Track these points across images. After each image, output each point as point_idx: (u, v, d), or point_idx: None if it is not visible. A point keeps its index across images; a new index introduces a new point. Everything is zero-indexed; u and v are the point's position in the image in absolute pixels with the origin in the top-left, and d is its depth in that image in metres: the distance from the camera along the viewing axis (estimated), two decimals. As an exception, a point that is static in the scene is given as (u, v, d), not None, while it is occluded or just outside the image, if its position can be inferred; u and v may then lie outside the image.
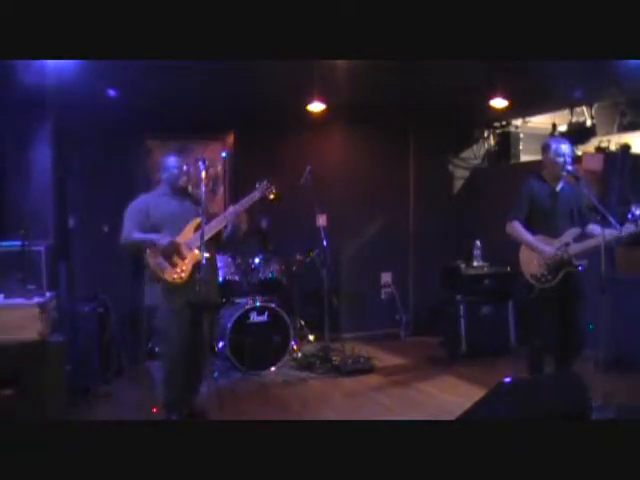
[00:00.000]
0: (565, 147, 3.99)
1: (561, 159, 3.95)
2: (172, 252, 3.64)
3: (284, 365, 5.19)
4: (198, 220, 3.68)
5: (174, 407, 3.72)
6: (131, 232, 3.69)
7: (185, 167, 3.84)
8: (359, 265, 6.39)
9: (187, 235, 3.72)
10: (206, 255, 3.59)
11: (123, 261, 5.27)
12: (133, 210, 3.76)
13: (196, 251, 3.65)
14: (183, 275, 3.64)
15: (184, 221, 3.74)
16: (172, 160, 3.87)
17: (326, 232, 5.39)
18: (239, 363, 4.96)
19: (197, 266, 3.63)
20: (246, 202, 3.85)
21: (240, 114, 5.99)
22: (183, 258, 3.67)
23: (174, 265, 3.65)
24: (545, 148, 4.07)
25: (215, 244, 3.90)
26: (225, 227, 3.84)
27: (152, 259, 3.65)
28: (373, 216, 6.43)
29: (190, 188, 3.93)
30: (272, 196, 3.90)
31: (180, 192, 3.84)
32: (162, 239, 3.65)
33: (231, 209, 3.84)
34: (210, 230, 3.70)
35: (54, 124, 5.10)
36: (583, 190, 4.02)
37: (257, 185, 3.91)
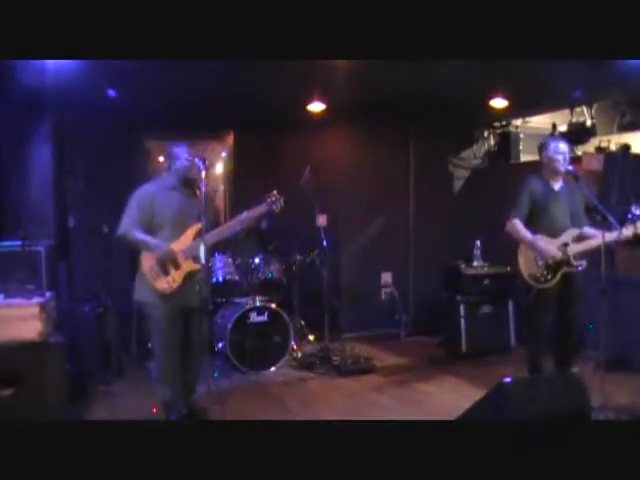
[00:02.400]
0: (562, 146, 4.00)
1: (559, 157, 3.96)
2: (168, 261, 3.59)
3: (284, 365, 5.18)
4: (198, 226, 3.60)
5: (171, 408, 3.72)
6: (131, 227, 3.61)
7: (196, 160, 3.64)
8: (359, 265, 6.38)
9: (185, 241, 3.63)
10: (198, 267, 3.57)
11: (123, 261, 5.28)
12: (137, 201, 3.65)
13: (191, 260, 3.60)
14: (174, 285, 3.59)
15: (186, 223, 3.65)
16: (182, 150, 3.73)
17: (326, 232, 5.39)
18: (239, 363, 4.96)
19: (191, 275, 3.61)
20: (252, 215, 3.73)
21: (240, 114, 5.98)
22: (177, 267, 3.60)
23: (167, 273, 3.59)
24: (542, 147, 4.08)
25: (212, 248, 3.85)
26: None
27: (146, 263, 3.61)
28: (373, 216, 6.42)
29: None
30: (278, 210, 3.75)
31: (188, 186, 3.73)
32: (160, 247, 3.57)
33: (233, 222, 3.74)
34: (209, 240, 3.60)
35: (54, 124, 5.11)
36: (583, 190, 4.02)
37: (266, 197, 3.76)
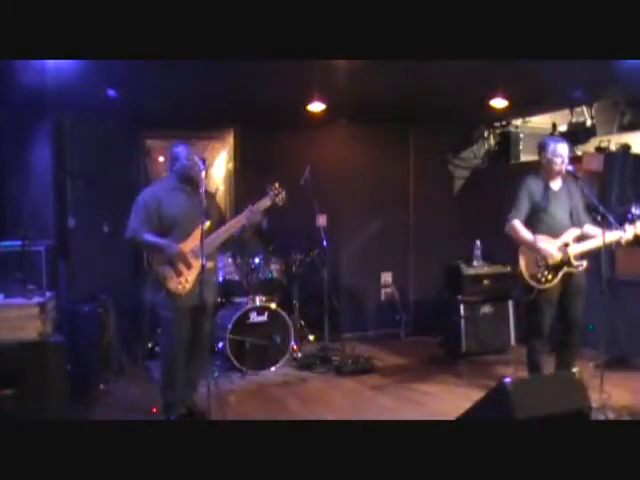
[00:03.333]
0: (562, 146, 4.00)
1: (558, 159, 3.96)
2: (179, 261, 3.59)
3: (284, 365, 5.18)
4: (207, 224, 3.59)
5: (173, 408, 3.72)
6: (140, 229, 3.60)
7: (196, 158, 3.66)
8: (359, 265, 6.38)
9: (195, 240, 3.61)
10: (210, 265, 3.60)
11: (123, 261, 5.28)
12: (143, 204, 3.65)
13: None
14: (187, 286, 3.59)
15: (194, 222, 3.62)
16: (182, 149, 3.73)
17: (326, 232, 5.38)
18: (239, 363, 4.96)
19: (202, 272, 3.61)
20: (256, 209, 3.72)
21: (240, 113, 5.98)
22: (189, 267, 3.61)
23: (179, 274, 3.59)
24: (542, 148, 4.07)
25: (220, 247, 3.85)
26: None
27: (158, 265, 3.60)
28: (373, 216, 6.42)
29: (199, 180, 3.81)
30: (281, 203, 3.75)
31: (190, 184, 3.71)
32: (171, 248, 3.57)
33: (239, 217, 3.73)
34: (217, 238, 3.65)
35: (54, 124, 5.10)
36: (582, 190, 4.02)
37: (268, 189, 3.75)
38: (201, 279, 3.47)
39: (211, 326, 3.91)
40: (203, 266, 3.43)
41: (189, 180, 3.72)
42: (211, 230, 3.66)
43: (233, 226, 3.74)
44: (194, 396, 3.93)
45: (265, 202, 3.74)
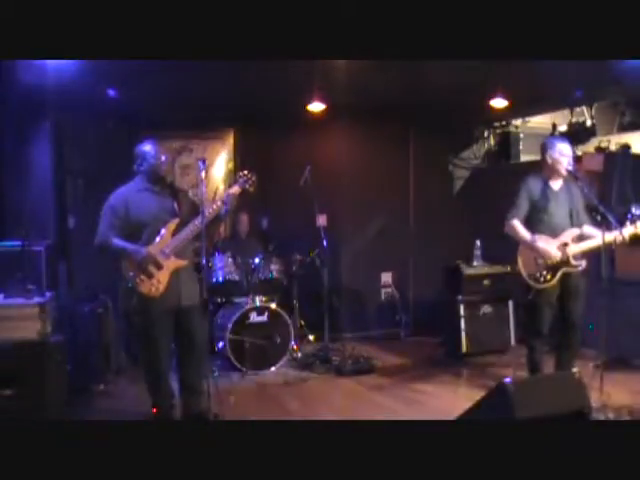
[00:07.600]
0: (564, 146, 3.99)
1: (560, 158, 3.95)
2: (149, 264, 3.51)
3: (284, 365, 5.18)
4: (175, 223, 3.58)
5: (163, 409, 3.69)
6: (108, 235, 3.56)
7: (164, 157, 3.66)
8: (359, 265, 6.38)
9: (164, 240, 3.56)
10: (184, 263, 3.57)
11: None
12: (111, 209, 3.61)
13: (173, 258, 3.56)
14: (160, 287, 3.52)
15: (163, 222, 3.58)
16: (149, 149, 3.67)
17: (326, 232, 5.38)
18: (239, 363, 4.96)
19: (177, 273, 3.57)
20: (227, 196, 3.68)
21: (240, 113, 5.99)
22: (160, 268, 3.52)
23: (150, 276, 3.51)
24: (544, 148, 4.07)
25: (194, 246, 3.76)
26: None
27: (128, 270, 3.53)
28: (373, 216, 6.42)
29: (170, 178, 3.74)
30: (252, 188, 3.71)
31: (159, 184, 3.68)
32: (138, 252, 3.50)
33: (204, 213, 3.58)
34: (186, 235, 3.57)
35: (54, 124, 5.10)
36: (583, 190, 4.02)
37: (237, 177, 3.74)
38: (177, 279, 3.47)
39: (204, 327, 3.80)
40: (204, 265, 3.39)
41: (158, 180, 3.68)
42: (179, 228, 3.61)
43: (199, 221, 3.56)
44: (201, 405, 3.74)
45: (235, 190, 3.69)
